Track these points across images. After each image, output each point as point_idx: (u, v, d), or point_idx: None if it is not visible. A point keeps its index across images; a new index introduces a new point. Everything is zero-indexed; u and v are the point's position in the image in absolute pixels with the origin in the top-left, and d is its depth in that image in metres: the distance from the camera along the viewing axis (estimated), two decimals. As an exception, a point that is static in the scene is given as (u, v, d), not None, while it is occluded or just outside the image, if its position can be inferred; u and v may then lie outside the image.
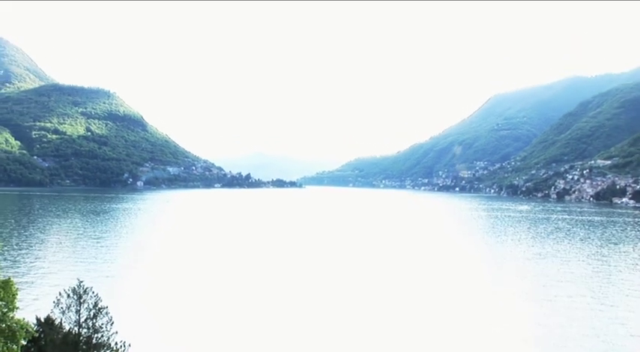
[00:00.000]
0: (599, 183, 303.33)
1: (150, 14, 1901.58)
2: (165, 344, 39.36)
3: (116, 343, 26.33)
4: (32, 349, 23.93)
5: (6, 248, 78.87)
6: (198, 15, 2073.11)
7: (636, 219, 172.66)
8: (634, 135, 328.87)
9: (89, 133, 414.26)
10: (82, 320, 26.00)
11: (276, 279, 66.64)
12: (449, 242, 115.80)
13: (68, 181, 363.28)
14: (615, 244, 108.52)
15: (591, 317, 49.78)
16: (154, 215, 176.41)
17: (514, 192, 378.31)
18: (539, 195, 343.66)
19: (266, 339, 42.27)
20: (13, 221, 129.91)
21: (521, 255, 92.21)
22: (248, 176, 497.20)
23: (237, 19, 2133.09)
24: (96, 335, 26.00)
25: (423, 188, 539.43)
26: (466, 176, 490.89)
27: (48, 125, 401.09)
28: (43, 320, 26.03)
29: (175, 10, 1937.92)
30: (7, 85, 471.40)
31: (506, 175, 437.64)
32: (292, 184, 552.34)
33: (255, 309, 51.14)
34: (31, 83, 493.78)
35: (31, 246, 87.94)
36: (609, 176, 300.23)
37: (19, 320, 20.91)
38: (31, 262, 72.65)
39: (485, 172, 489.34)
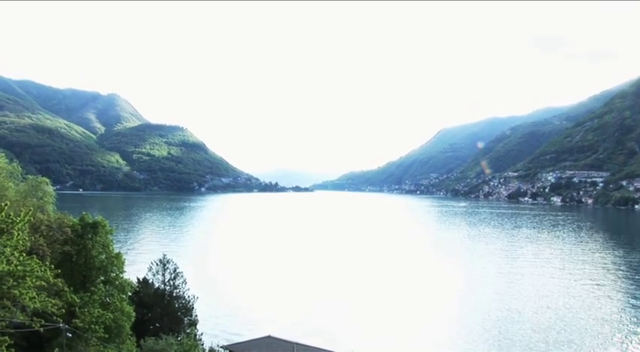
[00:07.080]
0: (510, 187, 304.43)
1: (208, 68, 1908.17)
2: (219, 297, 40.19)
3: (188, 296, 27.30)
4: (135, 298, 24.92)
5: (116, 231, 79.87)
6: (240, 62, 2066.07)
7: (532, 212, 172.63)
8: (530, 156, 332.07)
9: (169, 155, 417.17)
10: (166, 280, 27.03)
11: (299, 250, 67.18)
12: (412, 226, 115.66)
13: (156, 188, 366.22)
14: (519, 227, 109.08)
15: (499, 275, 50.34)
16: (213, 210, 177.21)
17: (456, 194, 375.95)
18: (473, 195, 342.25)
19: (288, 297, 42.88)
20: (121, 213, 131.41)
21: (458, 235, 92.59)
22: (276, 184, 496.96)
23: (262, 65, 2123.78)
24: (175, 291, 26.99)
25: (395, 191, 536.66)
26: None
27: (143, 150, 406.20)
28: (141, 279, 27.07)
29: (222, 60, 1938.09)
30: (118, 124, 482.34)
31: (450, 183, 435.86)
32: (306, 189, 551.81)
33: (284, 271, 51.75)
34: (133, 123, 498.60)
35: (132, 230, 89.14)
36: (516, 183, 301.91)
37: (126, 279, 21.92)
38: (132, 241, 73.80)
39: (437, 181, 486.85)
